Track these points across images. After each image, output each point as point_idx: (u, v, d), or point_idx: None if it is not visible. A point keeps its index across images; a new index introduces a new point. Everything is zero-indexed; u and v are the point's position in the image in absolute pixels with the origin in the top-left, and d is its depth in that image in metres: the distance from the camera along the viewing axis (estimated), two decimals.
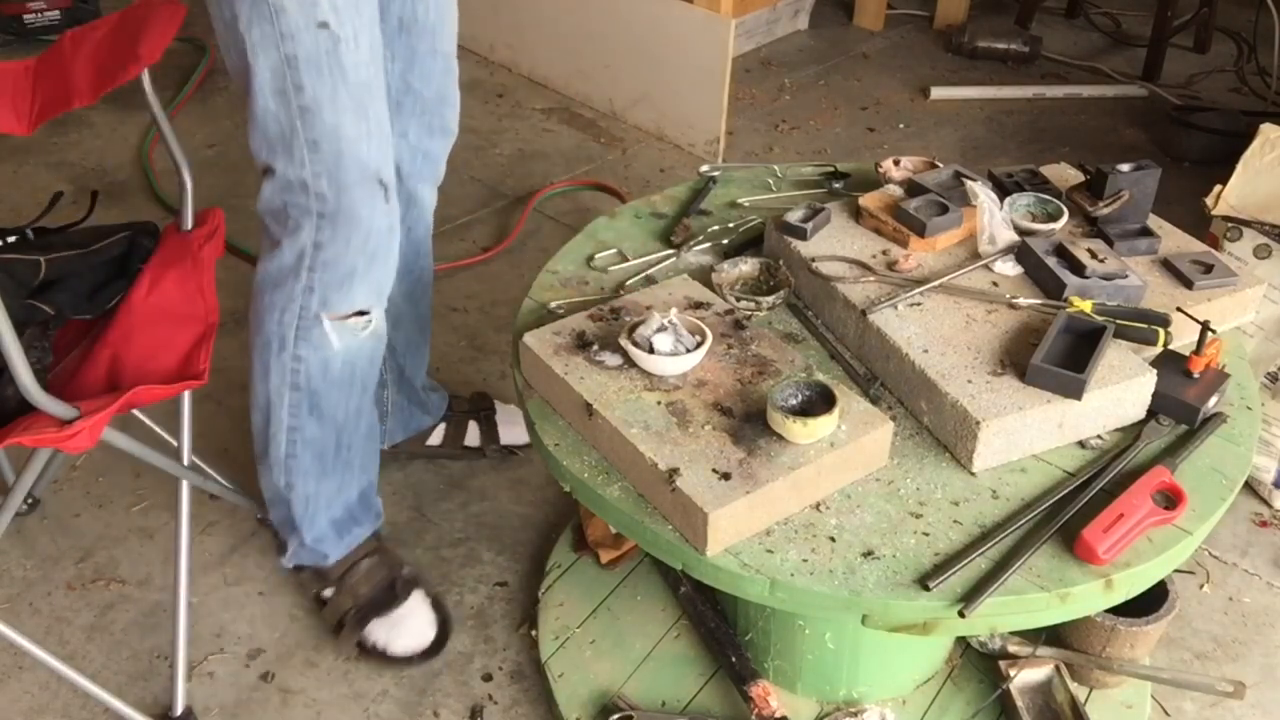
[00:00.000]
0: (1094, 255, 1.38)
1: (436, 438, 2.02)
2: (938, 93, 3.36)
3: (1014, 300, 1.35)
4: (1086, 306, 1.31)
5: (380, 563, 1.73)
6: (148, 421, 1.84)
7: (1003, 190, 1.53)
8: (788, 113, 3.27)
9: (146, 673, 1.68)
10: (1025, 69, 3.54)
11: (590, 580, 1.72)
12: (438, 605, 1.74)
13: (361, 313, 1.47)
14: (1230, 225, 1.89)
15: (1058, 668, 1.52)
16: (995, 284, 1.39)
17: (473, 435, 2.03)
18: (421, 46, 1.59)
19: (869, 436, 1.19)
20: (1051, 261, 1.37)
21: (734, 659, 1.53)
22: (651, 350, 1.25)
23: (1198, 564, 1.88)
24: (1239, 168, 1.91)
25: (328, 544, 1.69)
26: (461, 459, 2.04)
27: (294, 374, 1.50)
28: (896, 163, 1.63)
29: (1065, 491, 1.19)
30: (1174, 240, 1.49)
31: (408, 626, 1.69)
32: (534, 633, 1.69)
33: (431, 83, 1.63)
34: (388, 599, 1.70)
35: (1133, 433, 1.26)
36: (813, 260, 1.42)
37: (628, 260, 1.54)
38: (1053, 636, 1.56)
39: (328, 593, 1.72)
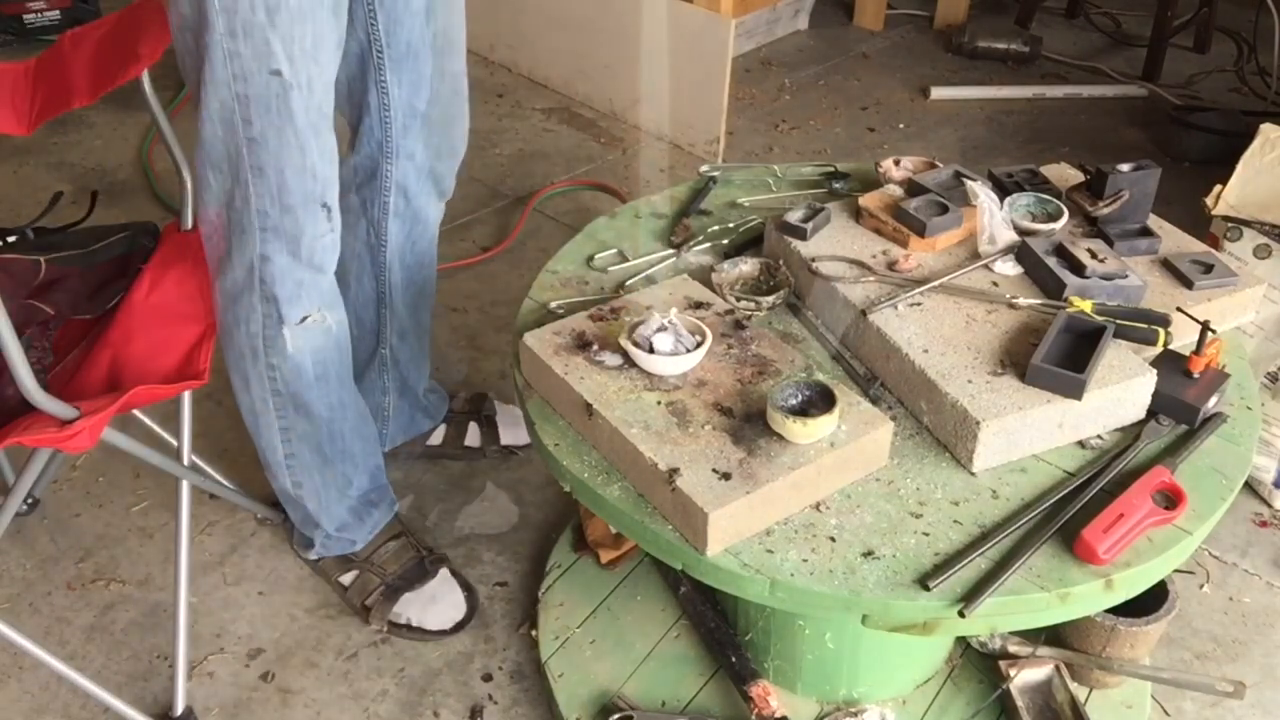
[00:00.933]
0: (1094, 255, 1.38)
1: (437, 438, 2.03)
2: (938, 93, 3.36)
3: (1014, 300, 1.35)
4: (1086, 306, 1.31)
5: (407, 544, 1.79)
6: (148, 421, 1.85)
7: (1003, 190, 1.53)
8: (788, 113, 3.27)
9: (146, 673, 1.68)
10: (1025, 69, 3.54)
11: (590, 580, 1.72)
12: (464, 581, 1.80)
13: (310, 315, 1.50)
14: (1230, 225, 1.89)
15: (1058, 668, 1.52)
16: (995, 284, 1.39)
17: (473, 436, 2.04)
18: (429, 70, 1.60)
19: (869, 436, 1.19)
20: (1051, 261, 1.37)
21: (734, 659, 1.53)
22: (651, 350, 1.25)
23: (1198, 564, 1.88)
24: (1239, 168, 1.91)
25: (351, 530, 1.75)
26: (462, 459, 2.04)
27: (272, 380, 1.54)
28: (897, 163, 1.63)
29: (1065, 491, 1.19)
30: (1174, 240, 1.49)
31: (440, 601, 1.75)
32: (534, 633, 1.69)
33: (439, 105, 1.64)
34: (417, 575, 1.76)
35: (1133, 433, 1.26)
36: (813, 260, 1.42)
37: (628, 260, 1.54)
38: (1053, 636, 1.56)
39: (347, 578, 1.77)
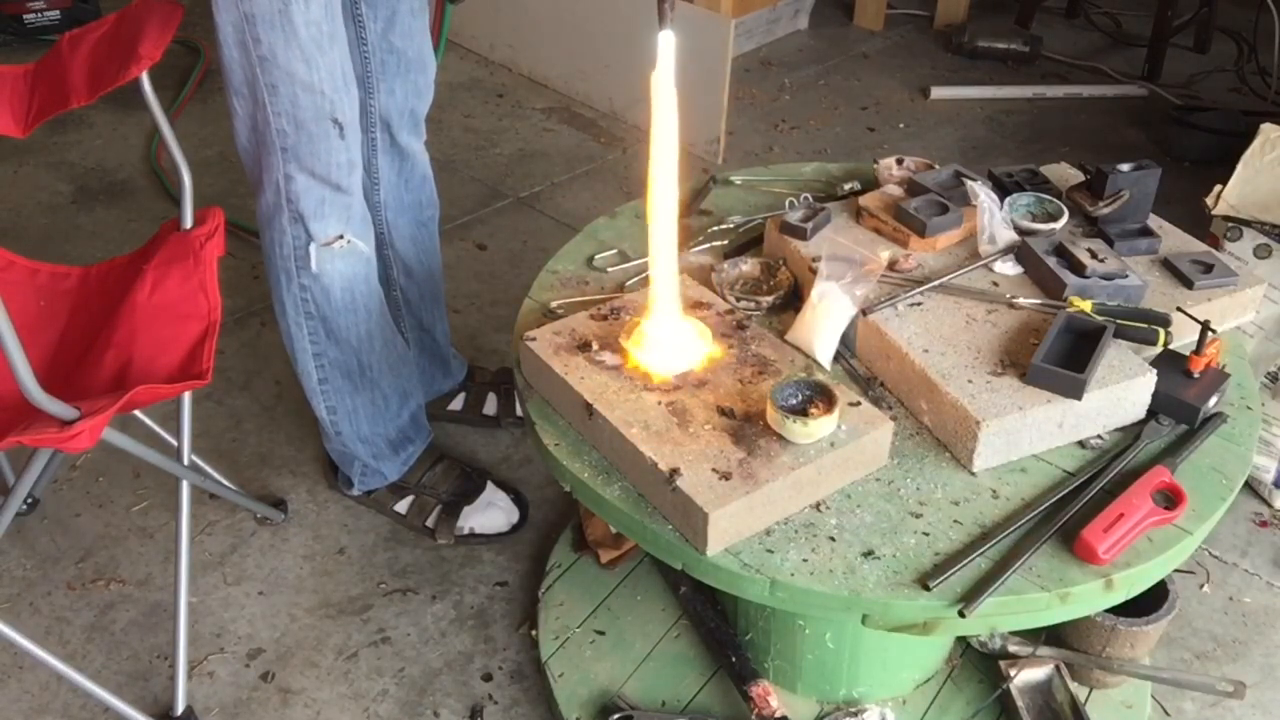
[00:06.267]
0: (1094, 255, 1.38)
1: (458, 404, 2.12)
2: (938, 93, 3.36)
3: (1014, 300, 1.35)
4: (1086, 306, 1.31)
5: (452, 464, 1.94)
6: (148, 421, 1.85)
7: (1003, 190, 1.53)
8: (788, 113, 3.27)
9: (146, 673, 1.68)
10: (1025, 69, 3.54)
11: (590, 580, 1.72)
12: (510, 487, 1.95)
13: (340, 236, 1.59)
14: (1230, 225, 1.89)
15: (1058, 668, 1.52)
16: (995, 284, 1.39)
17: (491, 405, 2.12)
18: (402, 7, 1.67)
19: (869, 436, 1.19)
20: (1051, 261, 1.37)
21: (734, 659, 1.53)
22: None
23: (1198, 564, 1.88)
24: (1239, 167, 1.91)
25: (386, 462, 1.87)
26: (480, 426, 2.11)
27: (304, 303, 1.64)
28: (899, 162, 1.63)
29: (1065, 491, 1.19)
30: (1174, 240, 1.49)
31: (495, 508, 1.91)
32: (534, 633, 1.69)
33: (413, 41, 1.72)
34: (470, 489, 1.91)
35: (1133, 433, 1.26)
36: (813, 260, 1.42)
37: (628, 260, 1.54)
38: (1053, 636, 1.56)
39: (402, 505, 1.91)
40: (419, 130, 1.83)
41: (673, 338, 1.28)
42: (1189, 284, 1.40)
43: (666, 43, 1.12)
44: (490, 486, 1.93)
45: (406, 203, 1.86)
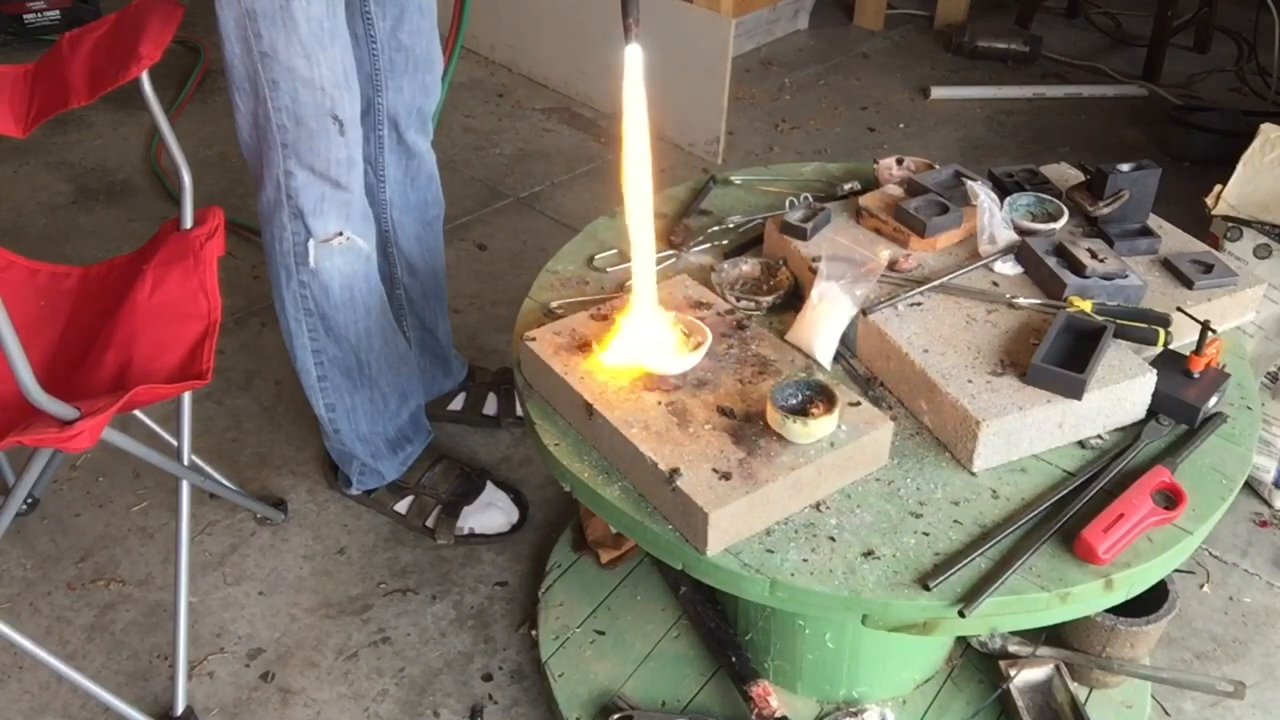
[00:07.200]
0: (1094, 255, 1.38)
1: (458, 404, 2.11)
2: (938, 93, 3.36)
3: (1014, 300, 1.35)
4: (1086, 306, 1.31)
5: (451, 464, 1.94)
6: (148, 421, 1.85)
7: (1003, 190, 1.53)
8: (788, 113, 3.27)
9: (146, 673, 1.68)
10: (1025, 69, 3.54)
11: (590, 580, 1.72)
12: (509, 487, 1.95)
13: (339, 233, 1.60)
14: (1230, 225, 1.89)
15: (1058, 668, 1.52)
16: (995, 284, 1.39)
17: (491, 405, 2.12)
18: (411, 5, 1.68)
19: (869, 436, 1.19)
20: (1051, 261, 1.37)
21: (734, 659, 1.53)
22: None
23: (1198, 564, 1.88)
24: (1239, 167, 1.91)
25: (384, 461, 1.86)
26: (480, 426, 2.11)
27: (303, 299, 1.64)
28: (900, 162, 1.63)
29: (1065, 491, 1.19)
30: (1174, 240, 1.49)
31: (495, 508, 1.91)
32: (534, 633, 1.69)
33: (421, 39, 1.72)
34: (470, 489, 1.91)
35: (1133, 433, 1.26)
36: (813, 260, 1.42)
37: (628, 260, 1.54)
38: (1053, 636, 1.56)
39: (402, 505, 1.90)
40: (426, 129, 1.83)
41: (655, 337, 1.28)
42: (1189, 284, 1.40)
43: (633, 56, 1.15)
44: (490, 486, 1.93)
45: (412, 201, 1.86)
